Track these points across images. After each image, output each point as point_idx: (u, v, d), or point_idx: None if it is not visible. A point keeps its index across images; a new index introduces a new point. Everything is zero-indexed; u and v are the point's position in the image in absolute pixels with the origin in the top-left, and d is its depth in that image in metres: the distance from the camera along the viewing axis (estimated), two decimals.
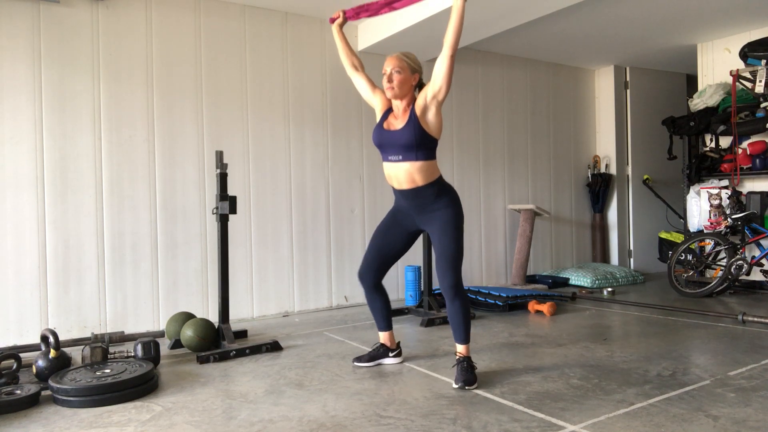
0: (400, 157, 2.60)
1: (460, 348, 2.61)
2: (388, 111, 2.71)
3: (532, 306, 4.25)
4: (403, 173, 2.61)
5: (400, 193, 2.69)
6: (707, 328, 3.58)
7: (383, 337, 2.95)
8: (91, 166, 3.72)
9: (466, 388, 2.48)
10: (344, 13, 2.87)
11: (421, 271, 4.37)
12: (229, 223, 3.39)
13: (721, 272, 4.64)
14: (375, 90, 2.81)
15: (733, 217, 4.74)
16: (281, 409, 2.30)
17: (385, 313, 2.92)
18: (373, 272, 2.85)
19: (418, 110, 2.58)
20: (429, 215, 2.65)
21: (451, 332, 2.66)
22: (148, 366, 2.65)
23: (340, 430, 2.06)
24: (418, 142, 2.55)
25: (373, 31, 4.61)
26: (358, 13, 2.87)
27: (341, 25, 2.89)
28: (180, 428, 2.13)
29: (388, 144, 2.63)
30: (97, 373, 2.56)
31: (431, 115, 2.58)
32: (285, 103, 4.46)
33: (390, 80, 2.60)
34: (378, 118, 2.74)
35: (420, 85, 2.70)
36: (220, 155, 3.33)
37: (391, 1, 2.77)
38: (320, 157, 4.60)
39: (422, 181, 2.60)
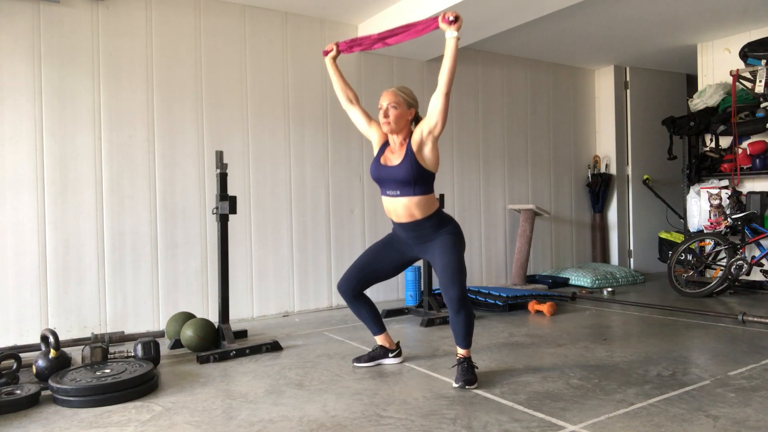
0: (398, 192, 2.62)
1: (461, 351, 2.61)
2: (385, 145, 2.72)
3: (532, 306, 4.25)
4: (401, 208, 2.63)
5: (399, 226, 2.71)
6: (707, 328, 3.58)
7: (379, 339, 2.95)
8: (91, 166, 3.72)
9: (467, 387, 2.48)
10: (337, 46, 2.87)
11: (421, 271, 4.37)
12: (229, 223, 3.39)
13: (721, 272, 4.64)
14: (371, 123, 2.81)
15: (733, 217, 4.74)
16: (281, 409, 2.30)
17: (372, 317, 2.91)
18: (352, 287, 2.82)
19: (414, 146, 2.58)
20: (428, 244, 2.67)
21: (452, 334, 2.66)
22: (148, 366, 2.65)
23: (340, 430, 2.06)
24: (416, 178, 2.56)
25: (373, 30, 4.60)
26: (351, 46, 2.88)
27: (335, 58, 2.89)
28: (180, 428, 2.13)
29: (385, 179, 2.64)
30: (97, 373, 2.56)
31: (427, 151, 2.58)
32: (285, 103, 4.46)
33: (386, 115, 2.61)
34: (375, 152, 2.75)
35: (416, 119, 2.70)
36: (220, 155, 3.33)
37: (384, 36, 2.78)
38: (320, 157, 4.60)
39: (421, 214, 2.62)
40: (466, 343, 2.60)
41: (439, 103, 2.51)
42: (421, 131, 2.58)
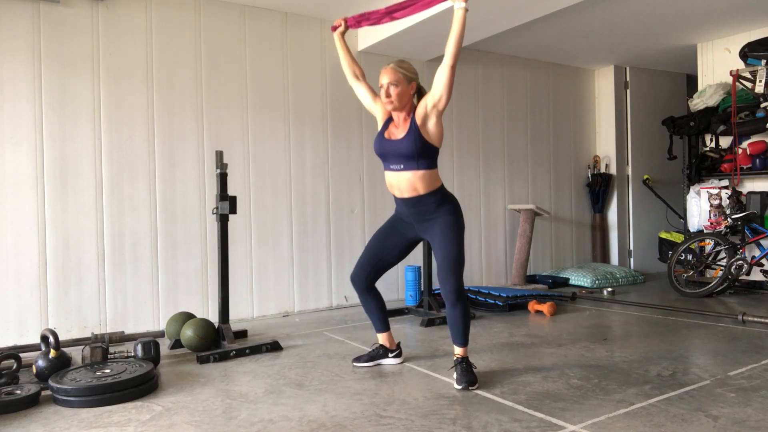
0: (402, 167, 2.60)
1: (459, 350, 2.61)
2: (389, 120, 2.71)
3: (532, 306, 4.25)
4: (404, 182, 2.62)
5: (401, 201, 2.70)
6: (707, 328, 3.58)
7: (381, 338, 2.94)
8: (91, 166, 3.72)
9: (470, 388, 2.48)
10: (345, 21, 2.86)
11: (421, 271, 4.36)
12: (229, 223, 3.39)
13: (721, 272, 4.64)
14: (376, 99, 2.80)
15: (733, 217, 4.74)
16: (281, 409, 2.30)
17: (380, 314, 2.91)
18: (365, 277, 2.83)
19: (418, 119, 2.57)
20: (430, 223, 2.65)
21: (450, 332, 2.66)
22: (148, 366, 2.65)
23: (340, 430, 2.06)
24: (419, 152, 2.55)
25: (374, 31, 4.61)
26: (360, 21, 2.87)
27: (343, 33, 2.88)
28: (180, 428, 2.13)
29: (389, 153, 2.63)
30: (97, 373, 2.56)
31: (431, 125, 2.57)
32: (285, 103, 4.46)
33: (388, 95, 2.60)
34: (379, 127, 2.74)
35: (419, 92, 2.69)
36: (220, 155, 3.33)
37: (392, 10, 2.76)
38: (320, 157, 4.60)
39: (424, 189, 2.60)
40: (464, 340, 2.59)
41: (445, 76, 2.49)
42: (425, 105, 2.56)
